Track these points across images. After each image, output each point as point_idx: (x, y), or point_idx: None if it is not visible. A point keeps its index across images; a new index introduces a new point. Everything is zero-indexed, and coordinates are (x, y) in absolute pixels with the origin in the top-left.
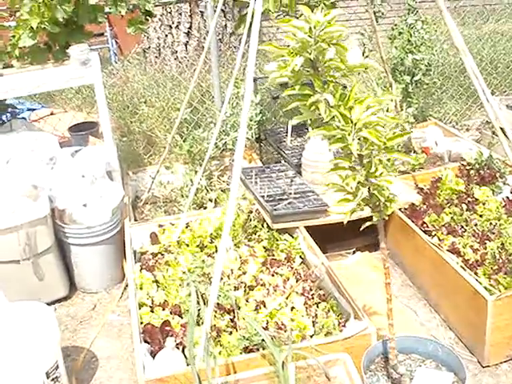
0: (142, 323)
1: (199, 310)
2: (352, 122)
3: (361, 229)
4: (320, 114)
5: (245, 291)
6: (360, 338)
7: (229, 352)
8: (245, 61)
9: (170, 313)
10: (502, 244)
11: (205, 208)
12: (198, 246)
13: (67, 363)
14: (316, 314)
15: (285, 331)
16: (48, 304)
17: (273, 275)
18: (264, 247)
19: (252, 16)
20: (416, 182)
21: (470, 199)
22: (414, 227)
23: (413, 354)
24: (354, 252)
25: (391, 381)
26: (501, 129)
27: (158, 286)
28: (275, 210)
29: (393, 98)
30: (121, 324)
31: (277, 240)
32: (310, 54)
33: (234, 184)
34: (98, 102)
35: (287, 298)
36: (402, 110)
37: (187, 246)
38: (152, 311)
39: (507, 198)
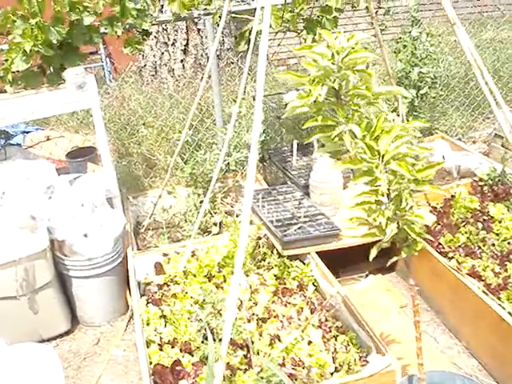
0: (151, 363)
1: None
2: (379, 153)
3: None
4: (343, 145)
5: (257, 324)
6: (384, 374)
7: None
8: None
9: (180, 350)
10: None
11: (209, 232)
12: (205, 275)
13: None
14: (335, 349)
15: (303, 368)
16: (49, 339)
17: (285, 305)
18: (275, 275)
19: (256, 34)
20: (428, 201)
21: (485, 217)
22: (430, 249)
23: None
24: (366, 275)
25: None
26: None
27: (166, 321)
28: (285, 235)
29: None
30: (127, 360)
31: (288, 267)
32: (333, 81)
33: (244, 217)
34: (95, 127)
35: (303, 331)
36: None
37: (194, 276)
38: (161, 349)
39: None
